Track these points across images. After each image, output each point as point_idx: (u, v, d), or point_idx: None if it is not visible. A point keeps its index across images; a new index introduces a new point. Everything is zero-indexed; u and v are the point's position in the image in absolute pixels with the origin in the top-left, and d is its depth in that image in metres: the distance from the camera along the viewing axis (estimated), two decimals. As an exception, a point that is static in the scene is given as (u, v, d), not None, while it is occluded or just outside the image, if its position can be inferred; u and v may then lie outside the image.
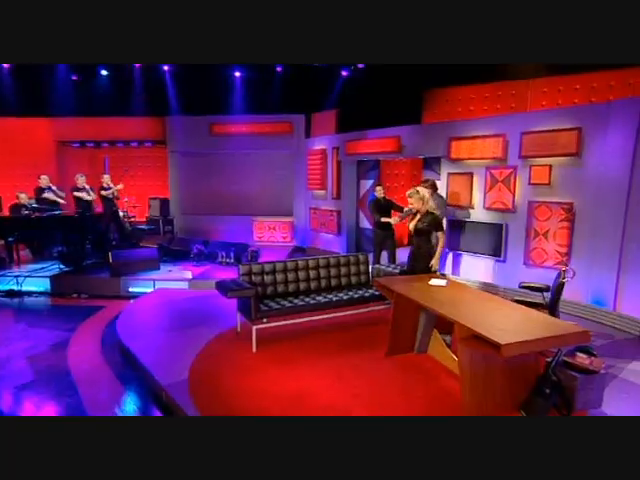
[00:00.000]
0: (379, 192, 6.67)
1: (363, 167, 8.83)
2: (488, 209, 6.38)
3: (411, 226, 4.65)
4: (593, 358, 3.29)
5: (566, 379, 3.22)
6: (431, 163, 7.53)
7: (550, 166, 5.63)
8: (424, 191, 4.62)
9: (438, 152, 6.99)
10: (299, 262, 5.14)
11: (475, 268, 6.66)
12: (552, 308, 3.71)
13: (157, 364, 4.07)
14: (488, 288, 6.04)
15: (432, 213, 4.58)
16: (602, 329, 4.91)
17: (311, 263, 5.19)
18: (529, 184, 5.86)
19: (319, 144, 9.38)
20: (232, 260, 7.55)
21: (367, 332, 4.86)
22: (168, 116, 10.03)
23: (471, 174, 6.56)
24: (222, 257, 7.60)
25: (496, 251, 6.30)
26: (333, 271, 5.28)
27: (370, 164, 8.71)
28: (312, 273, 5.17)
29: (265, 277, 4.88)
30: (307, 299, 4.79)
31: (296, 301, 4.71)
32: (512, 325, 3.07)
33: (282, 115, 9.62)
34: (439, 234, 4.65)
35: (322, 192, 9.40)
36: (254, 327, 4.33)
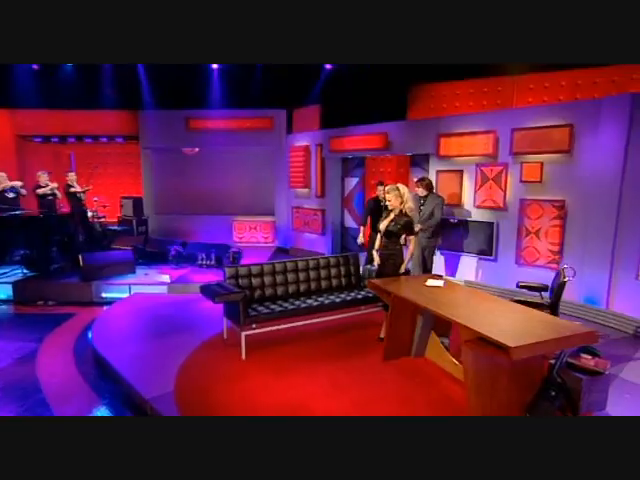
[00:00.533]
0: (381, 192, 6.32)
1: (348, 164, 8.78)
2: (479, 207, 6.43)
3: (382, 227, 4.48)
4: (597, 359, 3.32)
5: (571, 381, 3.23)
6: (419, 160, 7.54)
7: (542, 163, 5.71)
8: (405, 190, 4.46)
9: (426, 149, 7.01)
10: (287, 264, 5.04)
11: (466, 268, 6.70)
12: (553, 308, 3.73)
13: (139, 375, 3.88)
14: (479, 288, 6.07)
15: (407, 215, 4.42)
16: (596, 328, 4.99)
17: (300, 265, 5.10)
18: (520, 181, 5.93)
19: (301, 140, 9.28)
20: (213, 262, 7.37)
21: (361, 335, 4.80)
22: (141, 110, 9.71)
23: (461, 172, 6.60)
24: (202, 259, 7.41)
25: (487, 250, 6.35)
26: (323, 273, 5.20)
27: (355, 161, 8.67)
28: (301, 275, 5.08)
29: (253, 280, 4.75)
30: (297, 302, 4.69)
31: (286, 305, 4.60)
32: (519, 327, 3.07)
33: (262, 110, 9.45)
34: (410, 238, 4.52)
35: (305, 190, 9.30)
36: (243, 333, 4.20)
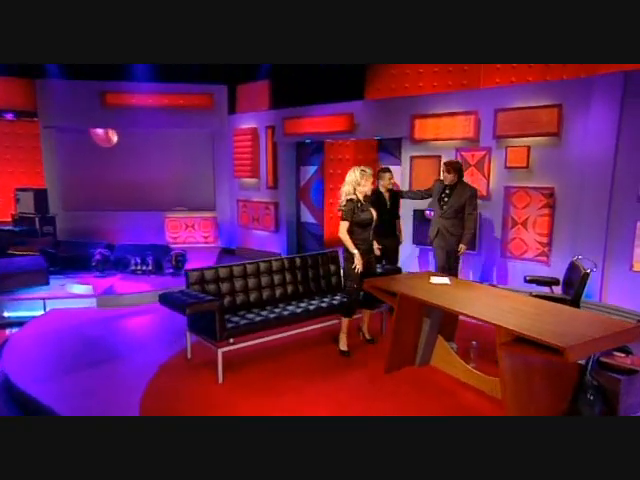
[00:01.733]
0: (386, 181, 5.41)
1: (304, 150, 8.53)
2: (460, 196, 6.50)
3: (375, 218, 4.38)
4: (632, 356, 3.40)
5: (607, 382, 3.27)
6: (388, 145, 7.50)
7: (528, 147, 5.88)
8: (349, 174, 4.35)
9: (399, 132, 6.97)
10: (261, 264, 4.72)
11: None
12: (576, 303, 3.79)
13: (86, 414, 3.31)
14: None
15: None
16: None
17: (275, 265, 4.79)
18: (505, 167, 6.08)
19: (248, 122, 8.88)
20: (150, 267, 6.74)
21: (354, 344, 4.57)
22: (40, 79, 8.66)
23: (439, 157, 6.62)
24: (136, 264, 6.74)
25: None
26: (300, 274, 4.92)
27: (312, 147, 8.44)
28: (276, 278, 4.76)
29: (221, 285, 4.34)
30: (277, 310, 4.38)
31: (264, 313, 4.27)
32: (562, 325, 3.03)
33: (200, 85, 8.90)
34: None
35: (253, 181, 8.93)
36: (220, 351, 3.78)
